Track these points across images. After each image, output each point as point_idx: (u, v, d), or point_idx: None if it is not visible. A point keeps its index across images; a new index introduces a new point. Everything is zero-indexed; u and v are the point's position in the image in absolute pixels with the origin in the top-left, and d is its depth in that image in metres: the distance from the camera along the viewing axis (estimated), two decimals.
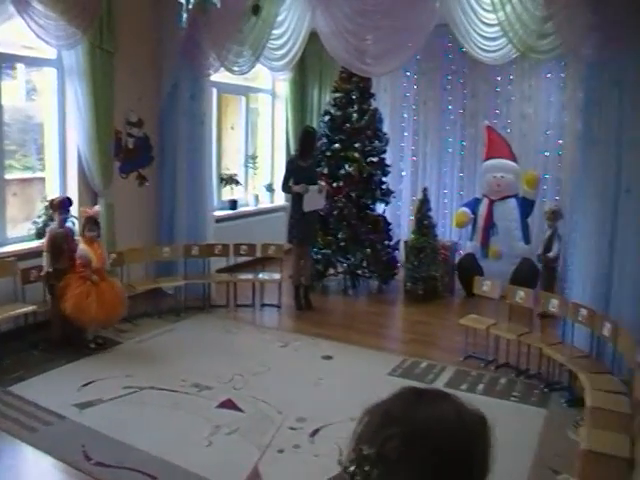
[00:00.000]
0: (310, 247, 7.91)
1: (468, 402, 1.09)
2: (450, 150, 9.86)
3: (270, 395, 5.10)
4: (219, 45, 7.29)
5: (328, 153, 8.45)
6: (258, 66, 7.86)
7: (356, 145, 8.37)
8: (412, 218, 8.79)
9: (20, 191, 7.17)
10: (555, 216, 7.54)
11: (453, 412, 1.06)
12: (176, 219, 7.82)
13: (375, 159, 8.54)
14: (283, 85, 10.44)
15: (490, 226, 8.27)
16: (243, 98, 10.04)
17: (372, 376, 5.44)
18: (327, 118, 8.62)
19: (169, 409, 4.86)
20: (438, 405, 1.08)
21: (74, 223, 6.38)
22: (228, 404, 4.96)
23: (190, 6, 5.96)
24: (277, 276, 7.70)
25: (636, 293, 5.51)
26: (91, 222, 6.02)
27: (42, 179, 7.08)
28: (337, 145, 8.43)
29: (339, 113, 8.50)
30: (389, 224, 8.79)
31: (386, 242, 8.60)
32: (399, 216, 10.09)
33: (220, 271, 7.93)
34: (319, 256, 8.39)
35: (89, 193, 6.97)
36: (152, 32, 7.51)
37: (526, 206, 8.29)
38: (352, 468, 1.00)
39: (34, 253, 6.25)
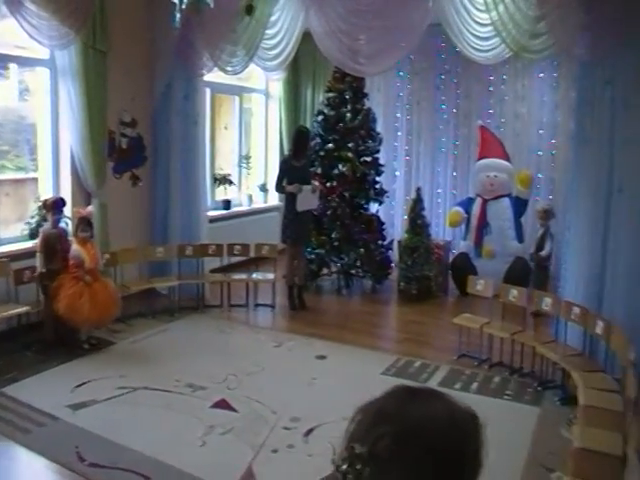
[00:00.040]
0: (304, 247, 7.91)
1: (460, 400, 1.10)
2: (443, 150, 9.88)
3: (264, 395, 5.10)
4: (212, 45, 7.29)
5: (322, 153, 8.45)
6: (251, 66, 7.86)
7: (349, 145, 8.38)
8: (406, 218, 8.80)
9: (13, 191, 7.15)
10: (547, 215, 7.55)
11: (445, 411, 1.07)
12: (170, 219, 7.81)
13: (369, 159, 8.55)
14: (276, 85, 10.44)
15: (483, 225, 8.30)
16: (237, 98, 10.04)
17: (366, 375, 5.44)
18: (320, 118, 8.62)
19: (163, 409, 4.85)
20: (430, 404, 1.08)
21: (67, 223, 6.36)
22: (222, 404, 4.96)
23: (183, 6, 5.97)
24: (271, 276, 7.70)
25: (629, 292, 5.53)
26: (84, 222, 6.00)
27: (35, 179, 7.06)
28: (330, 145, 8.43)
29: (332, 113, 8.50)
30: (383, 224, 8.79)
31: (380, 242, 8.60)
32: (393, 216, 10.10)
33: (214, 271, 7.93)
34: (313, 256, 8.39)
35: (82, 193, 6.96)
36: (145, 32, 7.50)
37: (519, 205, 8.32)
38: (344, 467, 1.01)
39: (27, 254, 6.24)
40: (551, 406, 5.15)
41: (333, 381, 5.48)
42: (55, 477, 4.05)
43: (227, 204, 9.52)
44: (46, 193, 6.76)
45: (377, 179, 8.68)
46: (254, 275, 7.86)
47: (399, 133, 10.15)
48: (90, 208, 6.42)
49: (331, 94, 8.58)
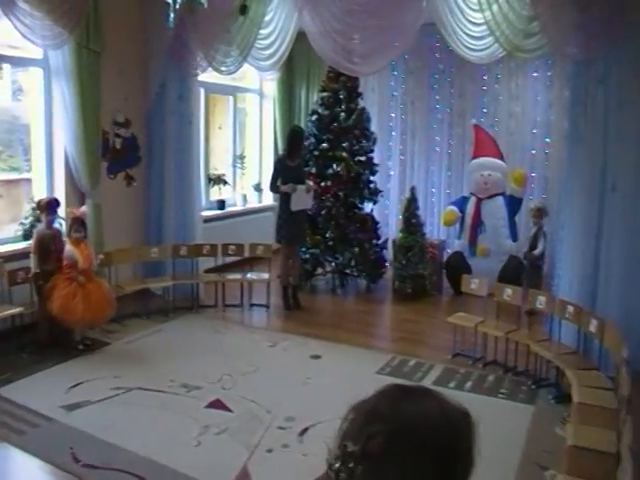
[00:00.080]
0: (298, 247, 7.91)
1: (452, 398, 1.10)
2: (438, 149, 9.89)
3: (259, 395, 5.10)
4: (207, 45, 7.29)
5: (316, 152, 8.45)
6: (246, 66, 7.86)
7: (344, 144, 8.38)
8: (400, 217, 8.79)
9: (7, 192, 7.13)
10: (540, 213, 7.55)
11: (437, 409, 1.07)
12: (164, 219, 7.81)
13: (363, 158, 8.55)
14: (271, 85, 10.43)
15: (478, 224, 8.31)
16: (231, 98, 10.03)
17: (360, 375, 5.44)
18: (315, 117, 8.62)
19: (157, 410, 4.85)
20: (423, 402, 1.08)
21: (61, 224, 6.35)
22: (217, 404, 4.95)
23: (177, 6, 5.96)
24: (265, 276, 7.69)
25: (622, 290, 5.56)
26: (77, 223, 5.99)
27: (29, 180, 7.05)
28: (325, 144, 8.43)
29: (327, 112, 8.50)
30: (377, 223, 8.80)
31: (374, 241, 8.60)
32: (387, 215, 10.11)
33: (208, 271, 7.93)
34: (307, 255, 8.40)
35: (76, 194, 6.95)
36: (139, 32, 7.49)
37: (513, 204, 8.34)
38: (337, 465, 1.01)
39: (21, 254, 6.23)
40: (545, 404, 5.16)
41: (328, 380, 5.48)
42: (50, 478, 4.05)
43: (221, 204, 9.51)
44: (40, 193, 6.75)
45: (371, 178, 8.69)
46: (249, 275, 7.85)
47: (393, 132, 10.16)
48: (83, 208, 6.41)
49: (325, 94, 8.59)
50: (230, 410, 4.87)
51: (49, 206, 6.03)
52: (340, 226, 8.32)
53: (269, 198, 10.10)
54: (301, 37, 7.43)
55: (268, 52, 7.68)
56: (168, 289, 7.43)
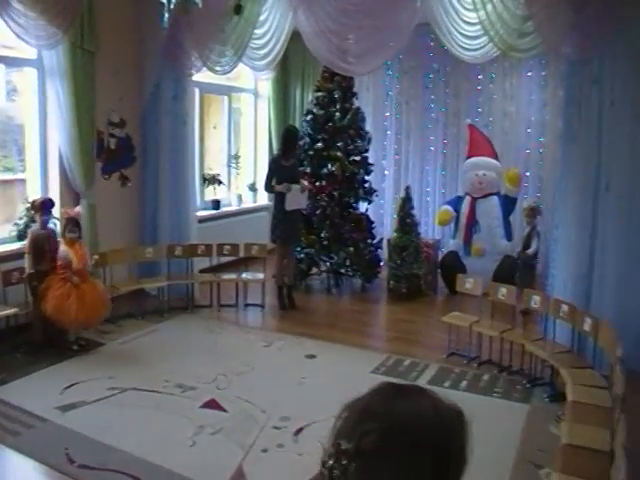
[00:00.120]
0: (293, 246, 7.91)
1: (445, 397, 1.10)
2: (432, 148, 9.91)
3: (254, 395, 5.10)
4: (201, 45, 7.28)
5: (311, 152, 8.45)
6: (240, 66, 7.84)
7: (339, 144, 8.38)
8: (395, 216, 8.81)
9: (1, 192, 7.13)
10: (533, 213, 7.53)
11: (431, 407, 1.07)
12: (159, 219, 7.80)
13: (358, 158, 8.56)
14: (265, 85, 10.43)
15: (472, 224, 8.33)
16: (226, 98, 10.02)
17: (355, 374, 5.44)
18: (309, 117, 8.62)
19: (152, 410, 4.84)
20: (416, 400, 1.09)
21: (56, 224, 6.34)
22: (212, 404, 4.95)
23: (172, 6, 5.94)
24: (260, 276, 7.69)
25: (616, 289, 5.58)
26: (72, 223, 5.97)
27: (23, 180, 7.03)
28: (320, 144, 8.43)
29: (322, 112, 8.50)
30: (372, 223, 8.81)
31: (369, 241, 8.61)
32: (382, 214, 10.12)
33: (203, 271, 7.92)
34: (302, 255, 8.40)
35: (71, 194, 6.94)
36: (134, 32, 7.49)
37: (508, 204, 8.36)
38: (330, 462, 1.01)
39: (16, 255, 6.22)
40: (540, 403, 5.17)
41: (323, 380, 5.48)
42: (45, 479, 4.04)
43: (216, 204, 9.51)
44: (34, 194, 6.73)
45: (366, 178, 8.69)
46: (244, 275, 7.85)
47: (388, 132, 10.17)
48: (78, 208, 6.39)
49: (320, 93, 8.59)
50: (225, 410, 4.86)
51: (43, 206, 6.02)
52: (335, 226, 8.33)
53: (264, 198, 10.10)
54: (296, 37, 7.43)
55: (263, 52, 7.67)
56: (163, 289, 7.42)
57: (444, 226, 8.99)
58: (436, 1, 6.41)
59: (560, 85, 7.34)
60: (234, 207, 10.03)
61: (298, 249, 8.25)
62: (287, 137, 7.67)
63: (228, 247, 7.78)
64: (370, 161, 8.81)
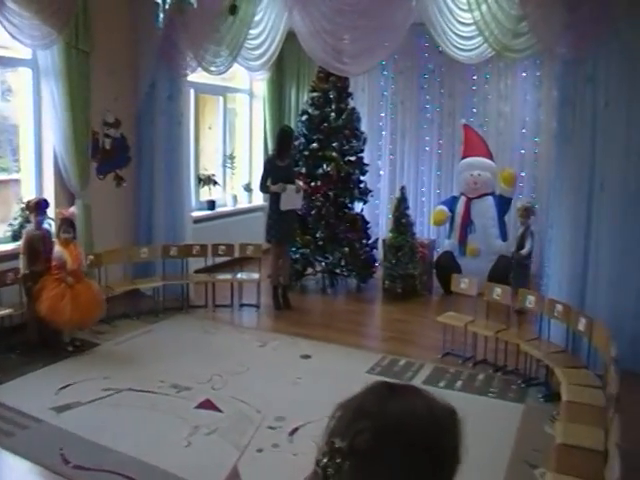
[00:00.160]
0: (288, 246, 7.92)
1: (439, 396, 1.11)
2: (427, 149, 9.92)
3: (249, 395, 5.10)
4: (196, 45, 7.28)
5: (306, 152, 8.45)
6: (235, 66, 7.85)
7: (334, 144, 8.39)
8: (390, 217, 8.81)
9: None
10: (527, 213, 7.52)
11: (424, 407, 1.07)
12: (154, 220, 7.79)
13: (353, 158, 8.57)
14: (261, 85, 10.43)
15: (468, 224, 8.34)
16: (221, 98, 10.02)
17: (351, 374, 5.44)
18: (305, 118, 8.62)
19: (147, 410, 4.84)
20: (410, 400, 1.09)
21: (51, 225, 6.32)
22: (207, 404, 4.95)
23: (167, 6, 5.95)
24: (255, 276, 7.69)
25: (611, 289, 5.60)
26: (66, 224, 5.96)
27: (18, 181, 7.02)
28: (315, 144, 8.43)
29: (317, 112, 8.51)
30: (367, 223, 8.82)
31: (364, 241, 8.62)
32: (377, 215, 10.13)
33: (198, 271, 7.91)
34: (297, 255, 8.40)
35: (66, 194, 6.92)
36: (129, 32, 7.48)
37: (503, 204, 8.37)
38: (324, 461, 1.01)
39: (10, 255, 6.20)
40: (535, 403, 5.19)
41: (318, 380, 5.48)
42: None
43: (212, 204, 9.50)
44: (29, 194, 6.72)
45: (361, 178, 8.70)
46: (239, 275, 7.85)
47: (383, 132, 10.18)
48: (72, 209, 6.37)
49: (315, 94, 8.59)
50: (220, 410, 4.86)
51: (38, 207, 6.00)
52: (330, 226, 8.33)
53: (259, 198, 10.10)
54: (291, 37, 7.43)
55: (258, 52, 7.68)
56: (158, 289, 7.41)
57: (439, 226, 9.01)
58: (431, 1, 6.43)
59: (554, 85, 7.35)
60: (229, 207, 10.03)
61: (293, 249, 8.25)
62: (282, 137, 7.67)
63: (223, 247, 7.77)
64: (365, 161, 8.81)
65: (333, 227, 8.34)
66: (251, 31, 7.42)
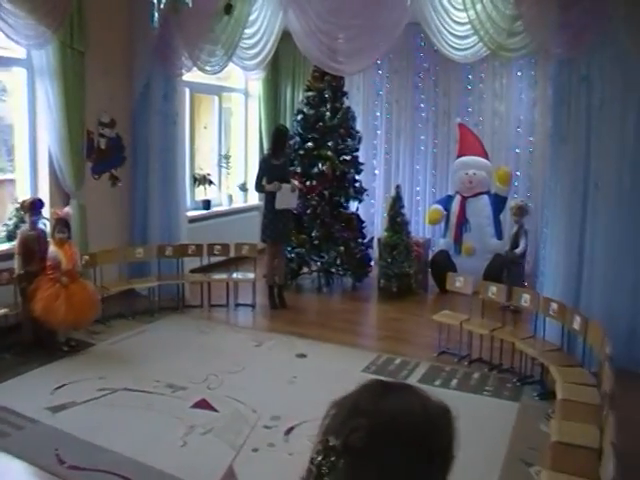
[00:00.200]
0: (284, 246, 7.91)
1: (433, 395, 1.11)
2: (423, 148, 9.92)
3: (244, 394, 5.10)
4: (191, 44, 7.27)
5: (301, 152, 8.46)
6: (231, 65, 7.85)
7: (329, 143, 8.39)
8: (385, 216, 8.82)
9: None
10: (521, 212, 7.52)
11: (418, 404, 1.08)
12: (149, 220, 7.78)
13: (348, 157, 8.56)
14: (256, 84, 10.42)
15: (463, 223, 8.36)
16: (216, 98, 10.01)
17: (346, 373, 5.43)
18: (300, 117, 8.63)
19: (143, 410, 4.83)
20: (404, 398, 1.09)
21: (45, 225, 6.31)
22: (202, 404, 4.95)
23: (162, 6, 5.93)
24: (251, 275, 7.68)
25: (605, 287, 5.61)
26: (61, 224, 5.94)
27: (13, 181, 7.00)
28: (310, 144, 8.43)
29: (312, 112, 8.51)
30: (362, 222, 8.83)
31: (360, 240, 8.62)
32: (372, 214, 10.13)
33: (194, 271, 7.91)
34: (293, 255, 8.40)
35: (61, 194, 6.91)
36: (124, 31, 7.47)
37: (498, 203, 8.38)
38: (319, 458, 1.02)
39: (5, 256, 6.20)
40: (530, 401, 5.20)
41: (314, 379, 5.48)
42: None
43: (207, 204, 9.49)
44: (24, 194, 6.71)
45: (357, 177, 8.71)
46: (234, 275, 7.84)
47: (378, 131, 10.18)
48: (67, 209, 6.36)
49: (310, 93, 8.59)
50: (216, 410, 4.86)
51: (33, 207, 5.99)
52: (325, 225, 8.34)
53: (254, 198, 10.09)
54: (286, 36, 7.43)
55: (253, 51, 7.68)
56: (153, 289, 7.40)
57: (434, 225, 9.02)
58: (426, 1, 6.43)
59: (549, 84, 7.36)
60: (225, 207, 10.02)
61: (289, 248, 8.25)
62: (277, 136, 7.67)
63: (219, 247, 7.77)
64: (360, 160, 8.82)
65: (328, 226, 8.34)
66: (246, 30, 7.42)
